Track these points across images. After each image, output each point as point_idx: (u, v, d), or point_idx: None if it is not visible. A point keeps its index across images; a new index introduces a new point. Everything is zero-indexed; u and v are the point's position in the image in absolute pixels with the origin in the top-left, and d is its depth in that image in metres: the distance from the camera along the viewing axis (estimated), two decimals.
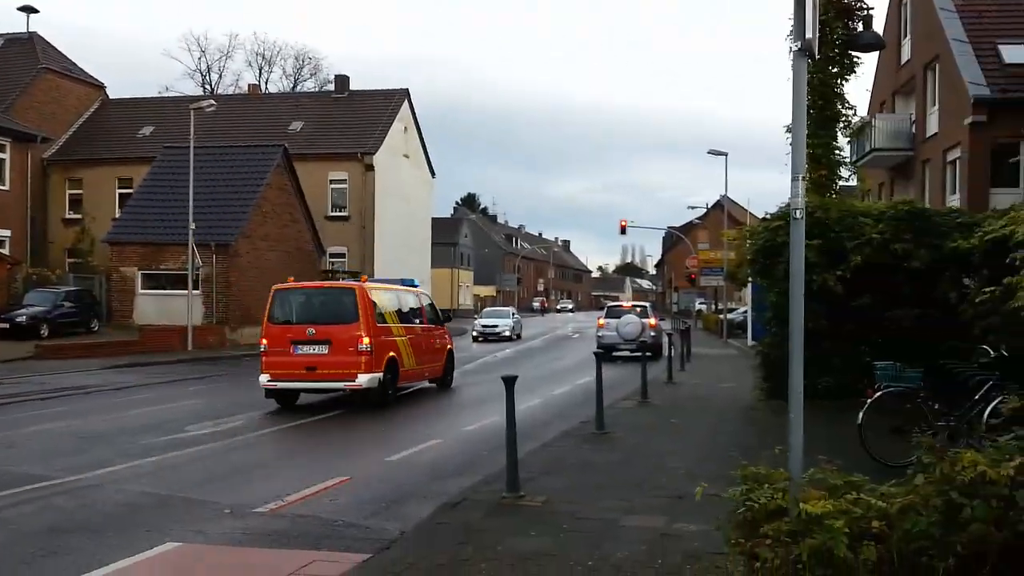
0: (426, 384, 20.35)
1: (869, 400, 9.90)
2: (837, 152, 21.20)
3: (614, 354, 30.29)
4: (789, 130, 21.23)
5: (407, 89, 53.48)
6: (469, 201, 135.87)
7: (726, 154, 45.83)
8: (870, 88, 35.25)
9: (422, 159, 57.35)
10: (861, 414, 9.90)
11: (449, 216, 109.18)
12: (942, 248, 15.11)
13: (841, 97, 21.18)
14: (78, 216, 47.49)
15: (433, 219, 64.97)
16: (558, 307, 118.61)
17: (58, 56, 51.13)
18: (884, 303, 15.47)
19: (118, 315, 36.80)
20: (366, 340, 16.61)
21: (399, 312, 18.62)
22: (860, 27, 20.07)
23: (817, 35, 5.75)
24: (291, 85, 78.82)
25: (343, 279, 31.86)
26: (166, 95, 63.51)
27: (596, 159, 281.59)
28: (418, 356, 18.91)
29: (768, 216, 16.88)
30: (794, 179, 5.54)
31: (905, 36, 31.38)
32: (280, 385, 16.78)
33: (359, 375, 16.51)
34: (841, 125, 21.22)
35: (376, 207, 48.83)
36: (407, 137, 54.08)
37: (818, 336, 14.70)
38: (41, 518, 8.37)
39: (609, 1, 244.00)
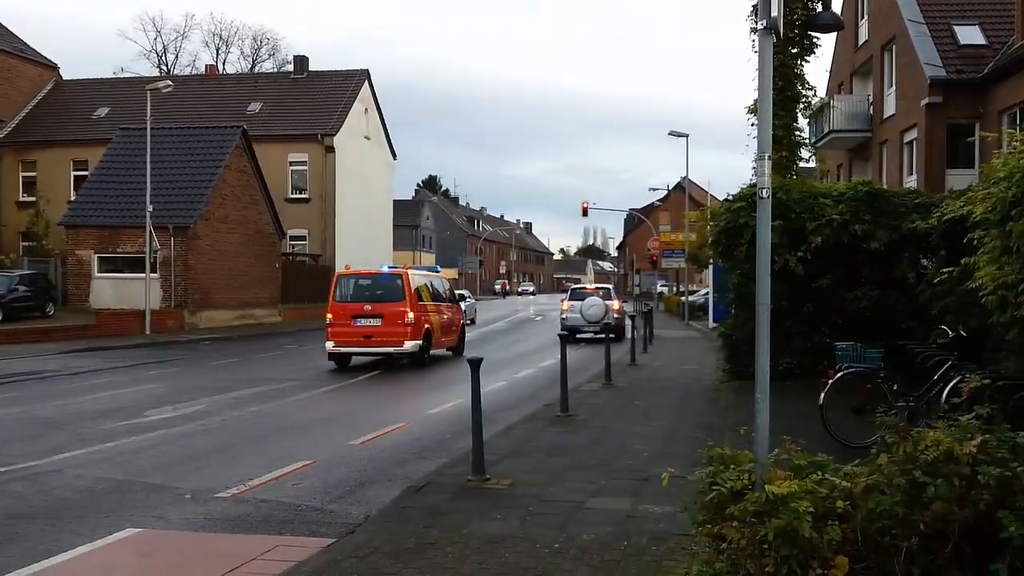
0: (444, 351, 24.74)
1: (830, 381, 9.97)
2: (797, 133, 21.31)
3: (578, 336, 30.38)
4: (752, 111, 21.31)
5: (367, 70, 53.05)
6: (431, 183, 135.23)
7: (686, 135, 45.89)
8: (828, 69, 35.50)
9: (383, 140, 56.94)
10: (822, 395, 9.97)
11: (410, 198, 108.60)
12: (900, 229, 15.27)
13: (801, 78, 21.27)
14: (32, 199, 46.60)
15: (394, 201, 64.57)
16: (520, 290, 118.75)
17: (9, 36, 49.99)
18: (844, 284, 15.62)
19: (74, 299, 36.22)
20: (411, 314, 21.83)
21: (431, 293, 23.65)
22: (819, 7, 20.16)
23: (782, 14, 5.72)
24: (249, 66, 77.87)
25: (308, 263, 32.95)
26: (121, 76, 62.39)
27: (557, 141, 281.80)
28: (443, 329, 23.92)
29: (730, 197, 16.92)
30: (760, 157, 5.52)
31: (862, 17, 31.62)
32: (343, 350, 21.98)
33: (405, 342, 21.81)
34: (801, 106, 21.33)
35: (337, 189, 48.44)
36: (368, 118, 53.64)
37: (780, 317, 14.81)
38: None
39: None
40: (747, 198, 15.62)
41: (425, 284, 23.71)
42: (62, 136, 47.99)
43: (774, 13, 5.51)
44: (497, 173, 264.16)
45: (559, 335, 14.23)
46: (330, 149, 48.11)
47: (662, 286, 73.28)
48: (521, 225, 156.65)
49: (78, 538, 7.08)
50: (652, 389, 16.44)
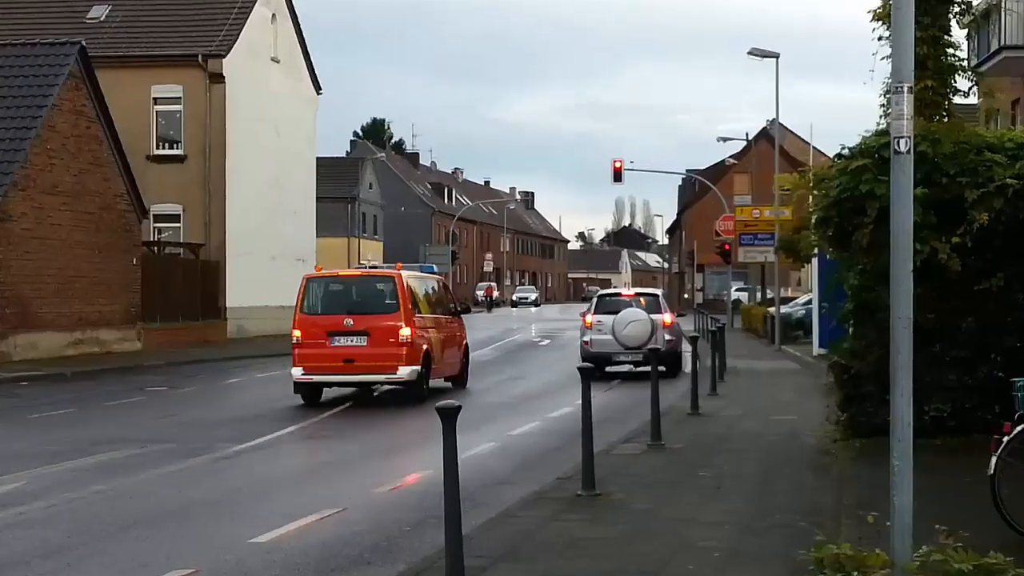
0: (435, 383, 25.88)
1: (1007, 438, 9.97)
2: (951, 52, 21.30)
3: (608, 369, 30.40)
4: (880, 16, 21.39)
5: None
6: (375, 131, 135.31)
7: (776, 56, 46.03)
8: None
9: (302, 66, 56.93)
10: (994, 459, 9.96)
11: (345, 155, 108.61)
12: None
13: None
14: None
15: (320, 159, 64.52)
16: (515, 298, 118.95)
17: None
18: None
19: None
20: (406, 331, 23.38)
21: (428, 302, 25.72)
22: None
23: None
24: None
25: (183, 257, 33.12)
26: None
27: (572, 65, 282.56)
28: (444, 350, 25.81)
29: (846, 152, 16.91)
30: (895, 89, 5.54)
31: None
32: (316, 378, 23.51)
33: (400, 367, 23.25)
34: (956, 10, 21.34)
35: (228, 141, 48.46)
36: (277, 31, 53.70)
37: (925, 337, 14.78)
38: None
39: None
40: (873, 153, 15.59)
41: (421, 290, 25.87)
42: None
43: None
44: (479, 116, 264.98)
45: (579, 368, 14.22)
46: (217, 78, 48.09)
47: (739, 291, 73.37)
48: (518, 196, 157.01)
49: None
50: (725, 452, 16.43)
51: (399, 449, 18.56)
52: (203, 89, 47.92)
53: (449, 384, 27.13)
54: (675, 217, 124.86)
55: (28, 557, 10.92)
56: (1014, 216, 15.56)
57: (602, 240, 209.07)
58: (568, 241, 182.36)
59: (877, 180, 15.07)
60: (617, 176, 61.87)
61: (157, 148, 48.47)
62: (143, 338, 42.06)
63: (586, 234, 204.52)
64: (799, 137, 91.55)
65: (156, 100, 48.33)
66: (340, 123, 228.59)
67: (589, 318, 31.28)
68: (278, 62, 53.70)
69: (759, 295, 61.32)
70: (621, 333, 29.57)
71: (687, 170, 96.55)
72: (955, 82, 21.43)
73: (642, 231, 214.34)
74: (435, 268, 26.72)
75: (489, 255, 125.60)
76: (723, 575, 9.32)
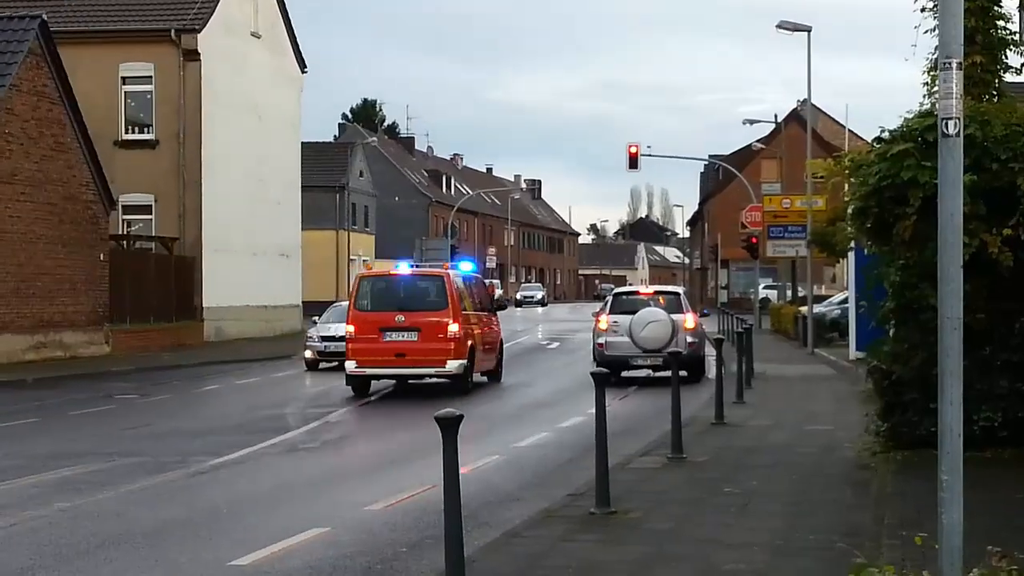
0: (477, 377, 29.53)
1: None
2: (1001, 25, 21.31)
3: (625, 374, 30.50)
4: None
5: None
6: (366, 113, 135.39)
7: (808, 30, 46.02)
8: None
9: (285, 41, 56.95)
10: None
11: (333, 140, 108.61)
12: None
13: None
14: None
15: (306, 145, 64.46)
16: (519, 296, 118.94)
17: None
18: None
19: None
20: (455, 327, 27.08)
21: (471, 300, 29.64)
22: None
23: None
24: None
25: (156, 252, 33.75)
26: None
27: (581, 40, 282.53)
28: (484, 346, 29.58)
29: (886, 135, 16.88)
30: (944, 66, 5.52)
31: None
32: (369, 371, 27.35)
33: (448, 361, 26.96)
34: None
35: (204, 124, 48.46)
36: (257, 3, 53.74)
37: (975, 339, 14.76)
38: None
39: None
40: (916, 136, 15.57)
41: (465, 288, 29.60)
42: None
43: None
44: (481, 97, 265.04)
45: (592, 374, 14.20)
46: (191, 55, 48.13)
47: (767, 289, 73.33)
48: (523, 185, 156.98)
49: None
50: (753, 466, 16.40)
51: (394, 462, 18.54)
52: (176, 67, 47.93)
53: (485, 379, 30.50)
54: (696, 207, 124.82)
55: None
56: None
57: (616, 233, 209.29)
58: (578, 234, 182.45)
59: (921, 166, 15.03)
60: (633, 162, 61.81)
61: (126, 132, 48.48)
62: (111, 341, 42.11)
63: (598, 226, 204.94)
64: (833, 119, 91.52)
65: (125, 79, 48.36)
66: (327, 105, 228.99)
67: (604, 319, 31.30)
68: (259, 37, 53.72)
69: (789, 293, 61.27)
70: (639, 335, 29.58)
71: (710, 156, 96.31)
72: (1006, 58, 21.46)
73: (660, 223, 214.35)
74: (476, 268, 33.81)
75: (492, 249, 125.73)
76: None
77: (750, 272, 71.46)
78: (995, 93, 20.48)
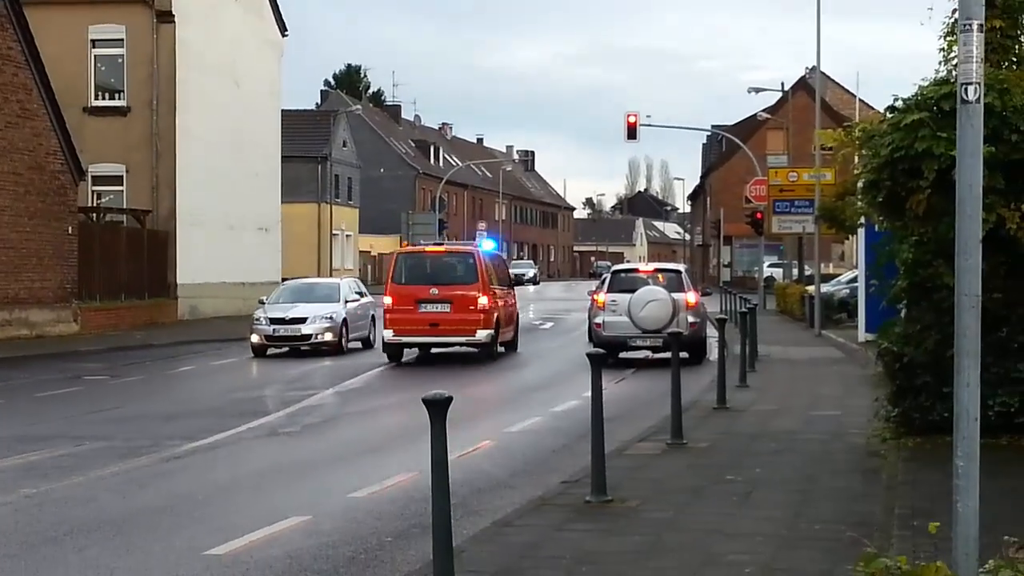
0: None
1: None
2: None
3: (623, 355, 30.60)
4: None
5: None
6: (350, 80, 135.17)
7: None
8: None
9: (264, 4, 56.91)
10: None
11: (315, 108, 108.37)
12: None
13: None
14: None
15: (286, 113, 64.37)
16: (511, 274, 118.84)
17: None
18: None
19: None
20: (484, 300, 31.35)
21: (496, 275, 33.79)
22: None
23: None
24: None
25: (127, 226, 34.19)
26: None
27: (576, 3, 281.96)
28: (506, 319, 33.49)
29: (899, 104, 16.88)
30: (964, 28, 5.50)
31: None
32: (405, 340, 31.60)
33: (478, 331, 31.29)
34: None
35: (178, 91, 48.40)
36: None
37: (991, 320, 14.75)
38: None
39: None
40: (931, 105, 15.56)
41: (491, 265, 33.81)
42: None
43: None
44: (471, 63, 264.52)
45: (588, 355, 14.20)
46: (165, 16, 48.05)
47: (772, 267, 73.37)
48: (516, 157, 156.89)
49: None
50: (758, 452, 16.43)
51: (378, 448, 18.56)
52: (149, 30, 47.87)
53: (502, 349, 33.49)
54: (698, 181, 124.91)
55: None
56: None
57: (613, 208, 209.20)
58: (574, 208, 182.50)
59: (936, 137, 15.02)
60: (631, 133, 61.70)
61: (96, 99, 48.42)
62: (80, 319, 42.08)
63: (595, 201, 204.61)
64: (843, 88, 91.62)
65: (94, 43, 48.29)
66: (309, 71, 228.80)
67: (601, 297, 31.34)
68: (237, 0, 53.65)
69: (796, 272, 61.37)
70: (638, 315, 29.64)
71: (712, 126, 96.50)
72: None
73: (660, 197, 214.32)
74: (497, 245, 38.56)
75: (482, 224, 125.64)
76: None
77: (754, 249, 71.38)
78: (1015, 60, 20.44)
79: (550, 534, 11.54)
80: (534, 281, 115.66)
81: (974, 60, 5.64)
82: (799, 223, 49.24)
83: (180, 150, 48.33)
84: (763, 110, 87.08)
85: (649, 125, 67.98)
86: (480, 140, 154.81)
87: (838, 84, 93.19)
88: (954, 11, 16.43)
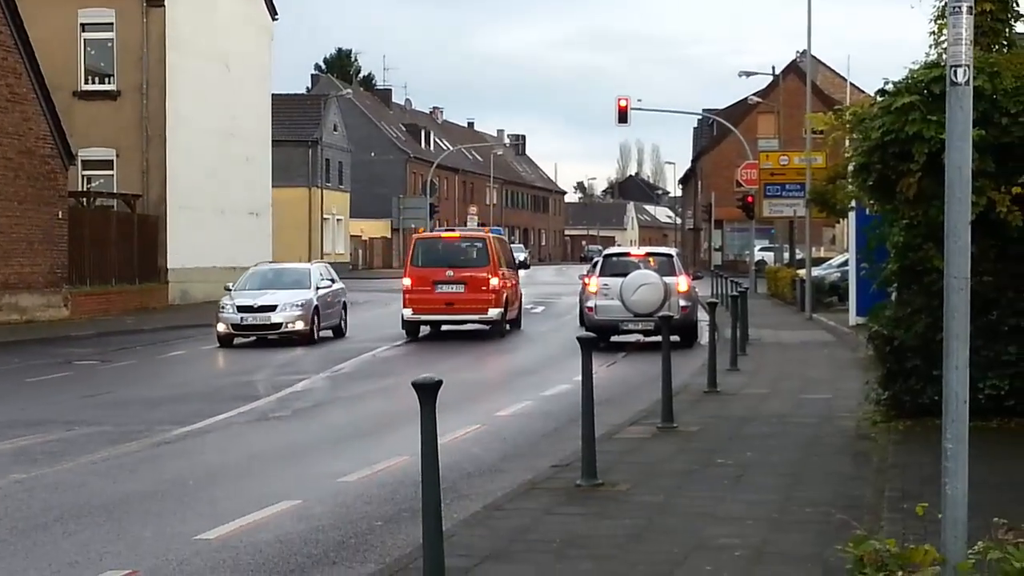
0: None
1: None
2: None
3: (615, 339, 30.63)
4: None
5: None
6: (340, 64, 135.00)
7: None
8: None
9: None
10: None
11: (305, 92, 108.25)
12: None
13: None
14: None
15: (276, 97, 64.26)
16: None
17: None
18: None
19: None
20: (495, 281, 34.01)
21: (504, 258, 36.26)
22: None
23: None
24: None
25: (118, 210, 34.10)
26: None
27: None
28: (512, 298, 36.13)
29: (889, 87, 16.87)
30: (953, 10, 5.48)
31: None
32: (423, 317, 34.25)
33: (490, 309, 33.79)
34: None
35: (169, 75, 48.28)
36: None
37: (981, 303, 14.77)
38: None
39: None
40: (921, 88, 15.55)
41: (500, 249, 36.41)
42: None
43: None
44: (462, 47, 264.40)
45: (579, 338, 14.20)
46: (155, 0, 47.86)
47: (763, 251, 73.38)
48: (507, 141, 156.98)
49: None
50: (748, 436, 16.45)
51: (368, 432, 18.56)
52: (139, 14, 47.74)
53: (507, 327, 35.58)
54: (689, 165, 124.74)
55: None
56: None
57: (604, 192, 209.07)
58: (565, 192, 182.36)
59: (926, 120, 15.02)
60: (622, 117, 61.57)
61: (86, 83, 48.30)
62: (70, 304, 42.01)
63: (586, 185, 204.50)
64: (834, 71, 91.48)
65: (84, 26, 48.17)
66: (299, 55, 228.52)
67: (593, 281, 31.43)
68: None
69: (787, 255, 61.32)
70: (630, 298, 29.66)
71: (703, 110, 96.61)
72: (1017, 5, 21.38)
73: (651, 181, 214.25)
74: (502, 231, 42.49)
75: (473, 208, 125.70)
76: None
77: (745, 233, 71.55)
78: (1006, 43, 20.42)
79: (540, 518, 11.54)
80: (525, 265, 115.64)
81: (963, 42, 5.62)
82: (790, 207, 49.22)
83: (170, 134, 48.25)
84: (754, 94, 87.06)
85: (640, 109, 67.93)
86: (471, 124, 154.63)
87: (829, 68, 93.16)
88: None
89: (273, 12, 58.30)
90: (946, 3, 5.20)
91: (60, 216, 41.75)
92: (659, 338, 19.11)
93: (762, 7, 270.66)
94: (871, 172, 16.29)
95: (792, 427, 17.32)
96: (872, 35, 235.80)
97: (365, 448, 16.69)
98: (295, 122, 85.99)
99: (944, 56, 12.92)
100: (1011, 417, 15.21)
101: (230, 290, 34.53)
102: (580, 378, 13.60)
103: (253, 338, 33.48)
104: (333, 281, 36.92)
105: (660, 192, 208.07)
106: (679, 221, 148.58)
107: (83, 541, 11.45)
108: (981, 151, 14.93)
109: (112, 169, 48.15)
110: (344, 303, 37.25)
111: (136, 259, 46.38)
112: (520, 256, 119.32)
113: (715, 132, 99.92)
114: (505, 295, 34.62)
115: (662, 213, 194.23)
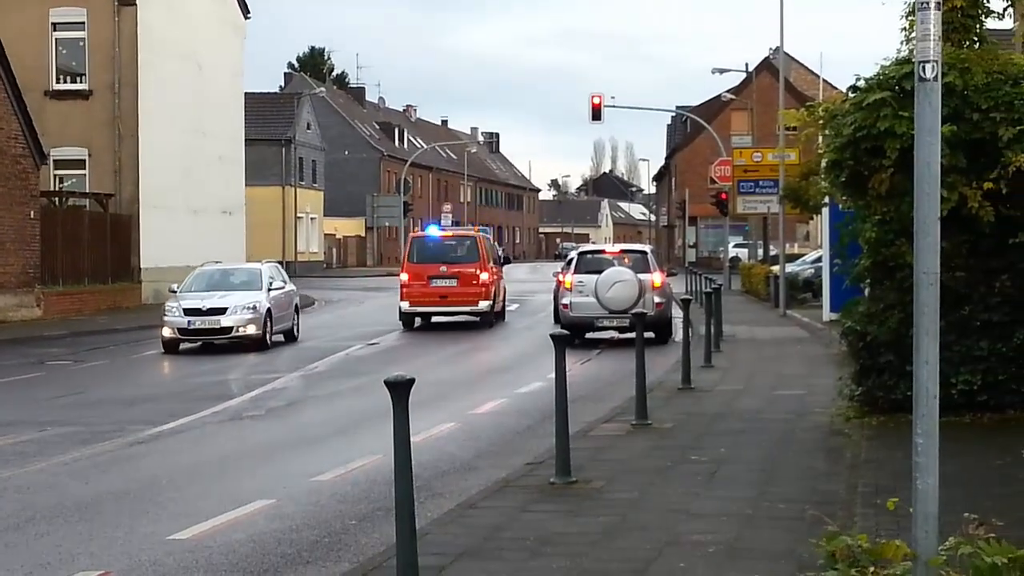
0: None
1: None
2: None
3: (590, 336, 30.74)
4: None
5: None
6: (313, 62, 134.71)
7: None
8: None
9: None
10: None
11: (278, 90, 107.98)
12: None
13: None
14: None
15: (249, 96, 64.10)
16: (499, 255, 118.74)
17: None
18: None
19: None
20: (484, 275, 36.80)
21: (491, 256, 39.12)
22: None
23: None
24: None
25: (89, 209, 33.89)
26: None
27: None
28: (498, 292, 38.75)
29: (861, 84, 16.92)
30: (921, 6, 5.51)
31: None
32: (419, 309, 36.93)
33: (480, 302, 36.51)
34: None
35: (141, 74, 48.11)
36: None
37: (954, 298, 14.83)
38: None
39: None
40: (893, 85, 15.59)
41: (489, 247, 39.36)
42: None
43: None
44: (435, 45, 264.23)
45: (552, 336, 14.20)
46: (127, 0, 47.74)
47: (737, 247, 73.50)
48: (480, 139, 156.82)
49: None
50: (721, 432, 16.47)
51: (343, 431, 18.53)
52: (111, 13, 47.56)
53: (495, 318, 38.20)
54: (663, 162, 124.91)
55: None
56: None
57: (579, 189, 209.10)
58: (539, 190, 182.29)
59: (898, 116, 15.07)
60: (596, 114, 61.55)
61: (57, 82, 48.10)
62: (43, 304, 41.86)
63: (560, 182, 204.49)
64: (807, 68, 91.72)
65: (56, 26, 47.95)
66: (272, 53, 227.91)
67: (569, 278, 31.50)
68: None
69: (761, 252, 61.48)
70: (605, 295, 29.76)
71: (677, 107, 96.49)
72: (988, 2, 21.44)
73: (625, 178, 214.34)
74: (487, 231, 45.64)
75: (447, 206, 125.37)
76: (720, 573, 9.34)
77: (719, 230, 71.65)
78: (976, 39, 20.47)
79: (514, 516, 11.55)
80: (508, 260, 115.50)
81: (932, 38, 5.64)
82: (764, 203, 49.28)
83: (143, 133, 48.05)
84: (727, 91, 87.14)
85: (613, 106, 67.73)
86: (445, 122, 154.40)
87: (802, 65, 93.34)
88: None
89: (246, 10, 58.15)
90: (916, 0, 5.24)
91: (32, 216, 41.60)
92: (634, 335, 19.14)
93: (735, 5, 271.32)
94: (843, 168, 16.34)
95: (766, 423, 17.34)
96: (845, 32, 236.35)
97: (339, 447, 16.68)
98: (268, 121, 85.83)
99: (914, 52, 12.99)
100: (983, 412, 15.26)
101: (175, 292, 32.46)
102: (554, 375, 13.59)
103: (199, 343, 31.72)
104: (285, 282, 35.36)
105: (634, 189, 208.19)
106: (653, 218, 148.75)
107: (55, 542, 11.43)
108: (953, 147, 14.99)
109: (84, 168, 47.96)
110: (296, 305, 35.58)
111: (109, 258, 46.21)
112: (497, 253, 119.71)
113: (689, 129, 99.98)
114: (493, 289, 37.28)
115: (636, 210, 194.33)
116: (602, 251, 35.29)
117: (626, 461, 14.33)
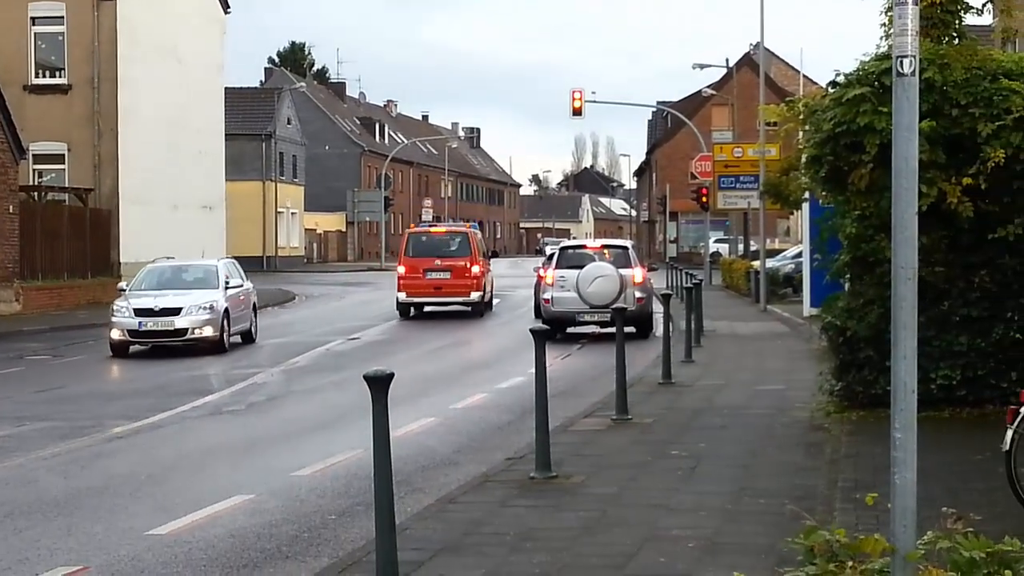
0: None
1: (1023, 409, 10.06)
2: None
3: (571, 330, 30.78)
4: None
5: None
6: (294, 57, 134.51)
7: None
8: None
9: None
10: (1010, 433, 10.06)
11: (259, 85, 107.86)
12: None
13: None
14: None
15: (229, 91, 64.03)
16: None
17: None
18: None
19: None
20: (476, 268, 39.41)
21: (481, 250, 41.76)
22: None
23: None
24: None
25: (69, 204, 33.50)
26: None
27: None
28: (488, 284, 41.33)
29: (840, 79, 16.94)
30: (899, 1, 5.50)
31: None
32: (415, 300, 39.41)
33: (472, 293, 39.05)
34: None
35: (120, 68, 48.01)
36: None
37: (933, 293, 14.87)
38: None
39: None
40: (872, 80, 15.62)
41: (480, 242, 41.90)
42: None
43: None
44: (416, 40, 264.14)
45: (532, 331, 14.21)
46: None
47: (718, 242, 73.55)
48: (461, 134, 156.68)
49: None
50: (702, 427, 16.51)
51: (322, 426, 18.51)
52: (90, 7, 47.47)
53: (485, 308, 40.59)
54: (644, 157, 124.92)
55: None
56: None
57: (559, 184, 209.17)
58: (520, 185, 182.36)
59: (877, 112, 15.09)
60: (577, 111, 61.73)
61: (36, 77, 47.96)
62: (22, 299, 41.76)
63: (541, 177, 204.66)
64: (787, 64, 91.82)
65: (34, 20, 47.82)
66: (252, 48, 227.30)
67: (550, 273, 31.56)
68: None
69: (741, 247, 61.45)
70: (586, 290, 29.82)
71: (658, 102, 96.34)
72: None
73: (606, 174, 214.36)
74: (477, 226, 47.74)
75: (428, 201, 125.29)
76: (699, 568, 9.36)
77: (700, 225, 71.65)
78: (955, 35, 20.51)
79: (494, 511, 11.56)
80: (496, 255, 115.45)
81: (909, 33, 5.65)
82: (744, 198, 49.32)
83: (122, 128, 47.97)
84: (708, 86, 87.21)
85: (594, 102, 68.06)
86: (425, 117, 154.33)
87: (782, 60, 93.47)
88: None
89: (225, 5, 58.04)
90: None
91: (11, 211, 41.48)
92: (615, 329, 19.14)
93: (716, 0, 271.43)
94: (823, 164, 16.36)
95: (746, 418, 17.37)
96: (825, 28, 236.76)
97: (319, 442, 16.66)
98: (248, 116, 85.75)
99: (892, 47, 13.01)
100: (963, 407, 15.32)
101: (124, 290, 30.49)
102: (534, 369, 13.60)
103: (150, 345, 29.66)
104: (242, 280, 32.98)
105: (615, 184, 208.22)
106: (634, 213, 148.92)
107: (34, 537, 11.41)
108: (932, 143, 15.04)
109: (64, 163, 47.87)
110: (254, 304, 33.37)
111: (88, 253, 46.11)
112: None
113: (669, 124, 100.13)
114: (484, 281, 39.82)
115: (617, 205, 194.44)
116: (583, 246, 35.27)
117: (606, 456, 14.35)
